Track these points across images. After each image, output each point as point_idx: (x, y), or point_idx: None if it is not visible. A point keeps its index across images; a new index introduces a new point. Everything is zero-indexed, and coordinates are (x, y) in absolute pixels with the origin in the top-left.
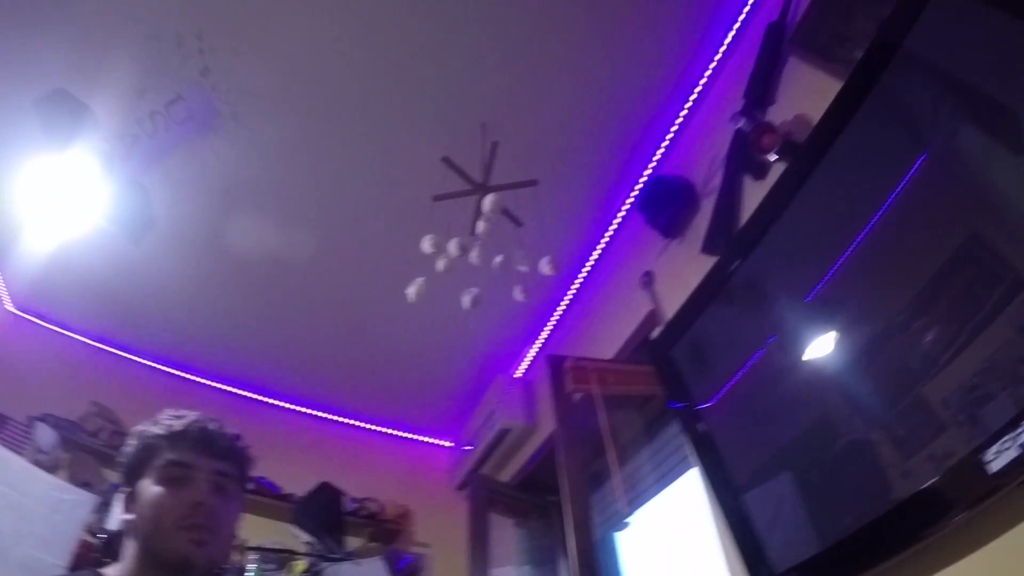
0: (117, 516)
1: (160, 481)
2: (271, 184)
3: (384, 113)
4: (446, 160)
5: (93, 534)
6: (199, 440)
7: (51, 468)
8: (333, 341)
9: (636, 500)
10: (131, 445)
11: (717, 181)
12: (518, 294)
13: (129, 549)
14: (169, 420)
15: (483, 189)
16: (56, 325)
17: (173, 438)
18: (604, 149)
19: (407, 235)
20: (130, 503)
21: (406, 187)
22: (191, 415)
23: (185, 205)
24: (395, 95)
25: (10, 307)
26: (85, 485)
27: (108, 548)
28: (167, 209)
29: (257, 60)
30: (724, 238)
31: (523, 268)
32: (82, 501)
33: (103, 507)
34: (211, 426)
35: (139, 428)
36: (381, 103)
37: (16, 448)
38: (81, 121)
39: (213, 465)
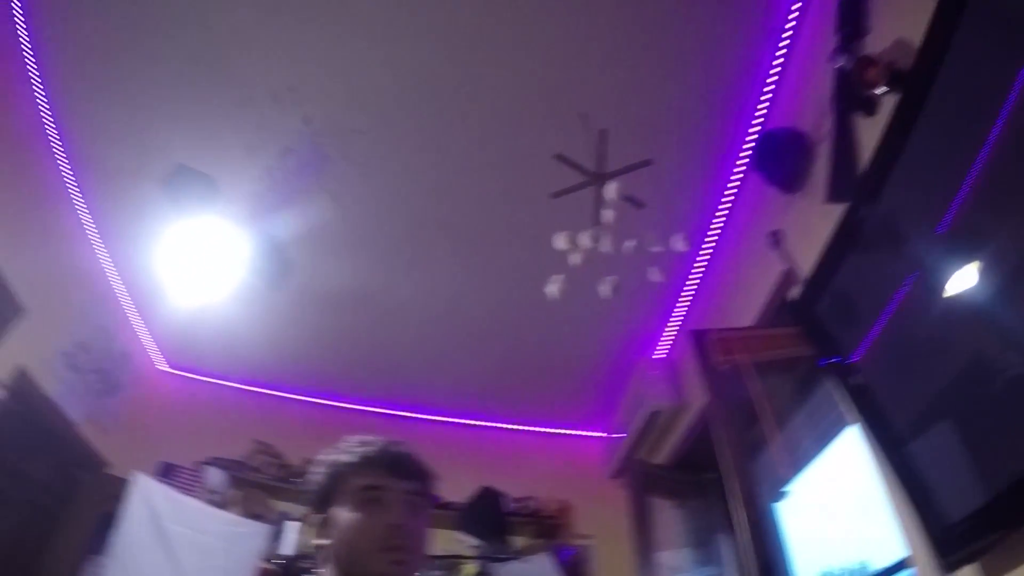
0: (303, 541)
1: (356, 506)
2: (391, 213)
3: (487, 122)
4: (559, 157)
5: (269, 561)
6: (390, 463)
7: (223, 506)
8: (476, 351)
9: (794, 467)
10: (320, 474)
11: (828, 126)
12: (655, 275)
13: (326, 573)
14: (357, 447)
15: (599, 178)
16: (208, 376)
17: (364, 463)
18: (708, 115)
19: (531, 236)
20: (323, 529)
21: (523, 190)
22: (377, 440)
23: (312, 246)
24: (493, 103)
25: (164, 366)
26: (257, 517)
27: (287, 574)
28: (298, 252)
29: (353, 98)
30: (847, 183)
31: (656, 248)
32: (256, 532)
33: (276, 535)
34: (399, 448)
35: (326, 457)
36: (482, 113)
37: (189, 492)
38: (205, 189)
39: (403, 486)
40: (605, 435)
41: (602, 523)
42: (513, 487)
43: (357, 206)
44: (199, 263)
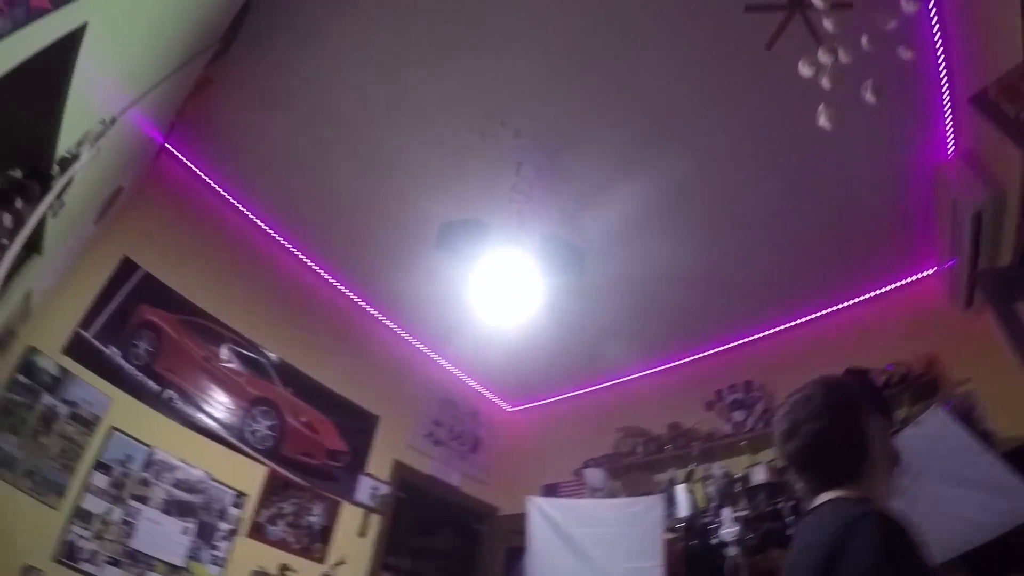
0: (698, 498)
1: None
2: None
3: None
4: (749, 7)
5: (672, 530)
6: None
7: (611, 496)
8: (776, 250)
9: None
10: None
11: None
12: (904, 54)
13: (879, 465)
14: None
15: (796, 1)
16: (548, 398)
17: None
18: None
19: (774, 106)
20: (872, 434)
21: (738, 55)
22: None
23: (585, 226)
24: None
25: (509, 408)
26: (645, 495)
27: (691, 533)
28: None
29: (540, 93)
30: None
31: (891, 25)
32: (650, 504)
33: (668, 502)
34: None
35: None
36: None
37: (576, 497)
38: (477, 231)
39: None
40: (937, 269)
41: (974, 361)
42: (872, 362)
43: (604, 175)
44: (501, 300)
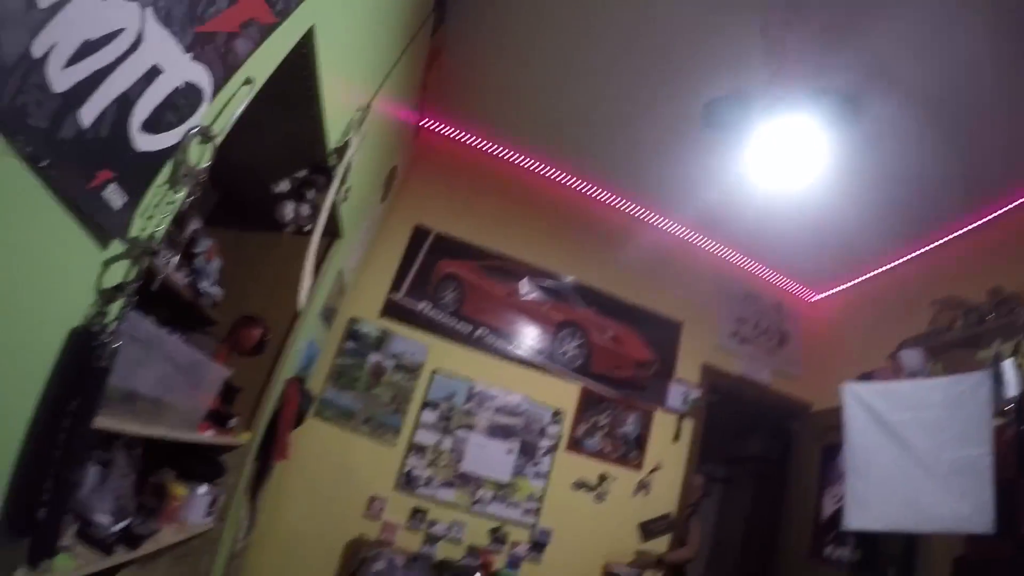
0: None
1: None
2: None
3: None
4: None
5: (999, 412)
6: None
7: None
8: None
9: None
10: None
11: None
12: None
13: None
14: None
15: None
16: (851, 280)
17: None
18: None
19: None
20: None
21: None
22: None
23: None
24: None
25: (813, 297)
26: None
27: (1019, 413)
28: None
29: None
30: None
31: None
32: (977, 381)
33: (996, 379)
34: None
35: None
36: None
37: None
38: (742, 106)
39: None
40: None
41: None
42: None
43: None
44: (783, 170)
